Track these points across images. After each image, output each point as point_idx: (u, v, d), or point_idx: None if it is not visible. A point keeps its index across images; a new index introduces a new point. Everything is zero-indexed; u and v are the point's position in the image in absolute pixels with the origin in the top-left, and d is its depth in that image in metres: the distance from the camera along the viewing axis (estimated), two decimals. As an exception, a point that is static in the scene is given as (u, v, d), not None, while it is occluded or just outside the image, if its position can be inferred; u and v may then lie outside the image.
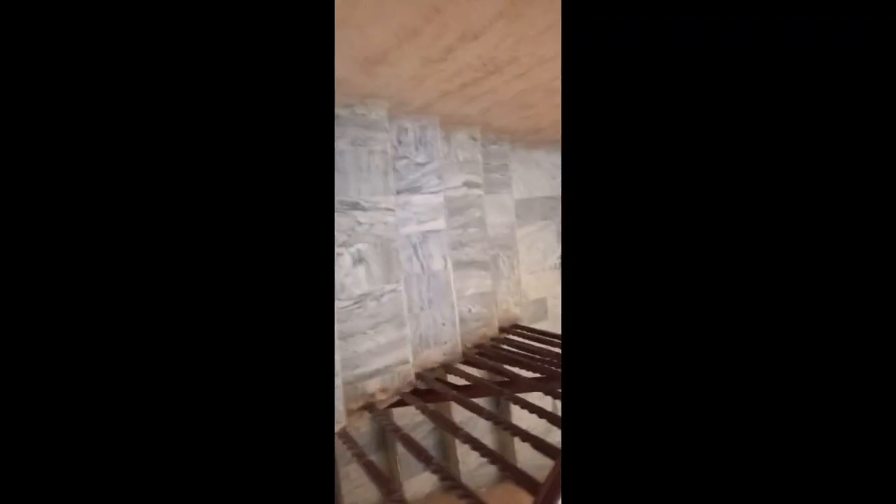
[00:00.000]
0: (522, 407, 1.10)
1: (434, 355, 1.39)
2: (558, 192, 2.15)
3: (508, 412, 1.90)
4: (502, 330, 1.74)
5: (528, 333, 1.68)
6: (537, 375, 1.32)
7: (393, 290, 1.21)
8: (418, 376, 1.32)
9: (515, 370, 1.30)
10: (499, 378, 1.30)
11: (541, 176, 2.11)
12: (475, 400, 1.10)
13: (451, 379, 1.35)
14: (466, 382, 1.27)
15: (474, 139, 1.61)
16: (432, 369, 1.39)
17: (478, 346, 1.59)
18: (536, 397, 1.14)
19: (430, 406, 1.15)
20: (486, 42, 0.91)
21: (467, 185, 1.59)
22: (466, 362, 1.45)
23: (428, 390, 1.26)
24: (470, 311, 1.59)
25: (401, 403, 1.23)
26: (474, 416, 1.10)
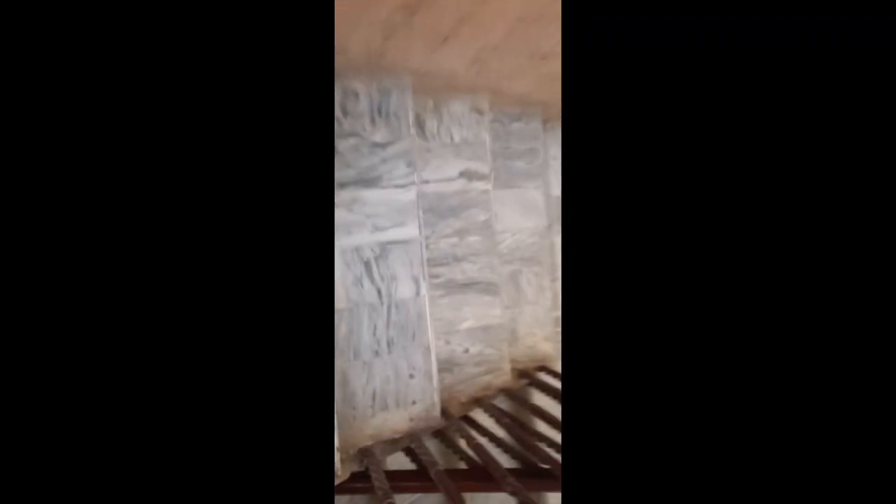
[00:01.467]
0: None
1: (395, 421, 0.97)
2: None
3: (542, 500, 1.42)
4: (523, 375, 1.26)
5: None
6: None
7: (308, 332, 0.81)
8: (364, 453, 0.90)
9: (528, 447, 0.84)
10: (489, 464, 0.84)
11: (593, 165, 1.58)
12: None
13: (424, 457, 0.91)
14: (439, 465, 0.83)
15: (478, 112, 1.15)
16: (393, 441, 0.96)
17: (478, 400, 1.14)
18: None
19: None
20: None
21: (466, 175, 1.14)
22: (457, 430, 1.01)
23: (364, 478, 0.84)
24: (467, 351, 1.14)
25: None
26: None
